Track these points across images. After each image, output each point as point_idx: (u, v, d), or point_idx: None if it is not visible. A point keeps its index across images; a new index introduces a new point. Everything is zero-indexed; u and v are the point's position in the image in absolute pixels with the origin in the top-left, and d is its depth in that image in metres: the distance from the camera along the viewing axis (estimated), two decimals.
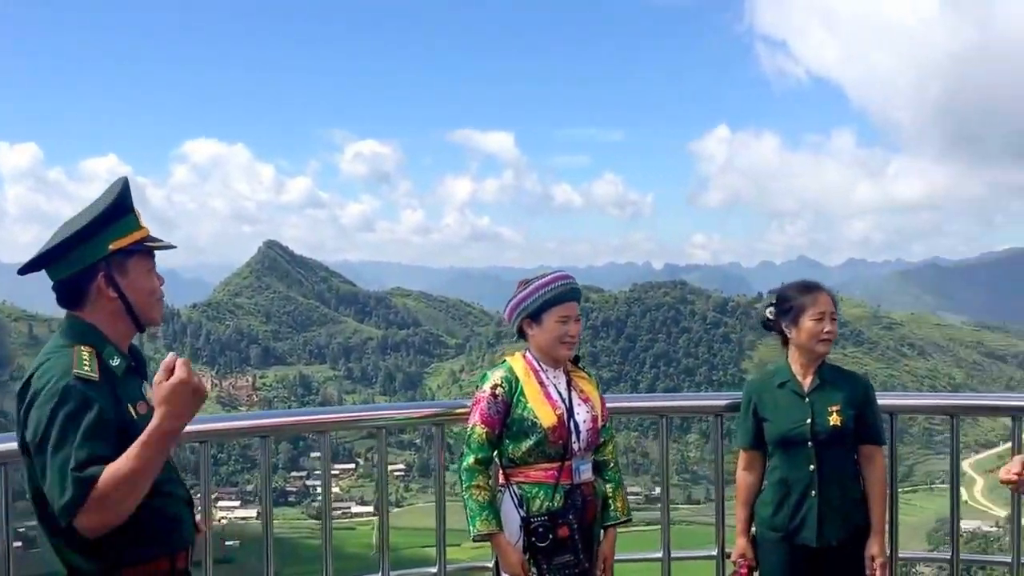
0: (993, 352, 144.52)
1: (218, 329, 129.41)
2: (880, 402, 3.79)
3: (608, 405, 3.63)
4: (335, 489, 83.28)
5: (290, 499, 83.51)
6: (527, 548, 3.17)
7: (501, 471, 3.31)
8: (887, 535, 3.76)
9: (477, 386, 3.35)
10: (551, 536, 3.13)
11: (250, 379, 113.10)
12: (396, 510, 77.70)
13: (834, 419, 3.47)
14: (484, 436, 3.23)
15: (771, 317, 3.66)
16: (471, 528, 3.18)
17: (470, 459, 3.23)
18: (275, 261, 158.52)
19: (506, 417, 3.24)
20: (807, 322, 3.54)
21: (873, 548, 3.51)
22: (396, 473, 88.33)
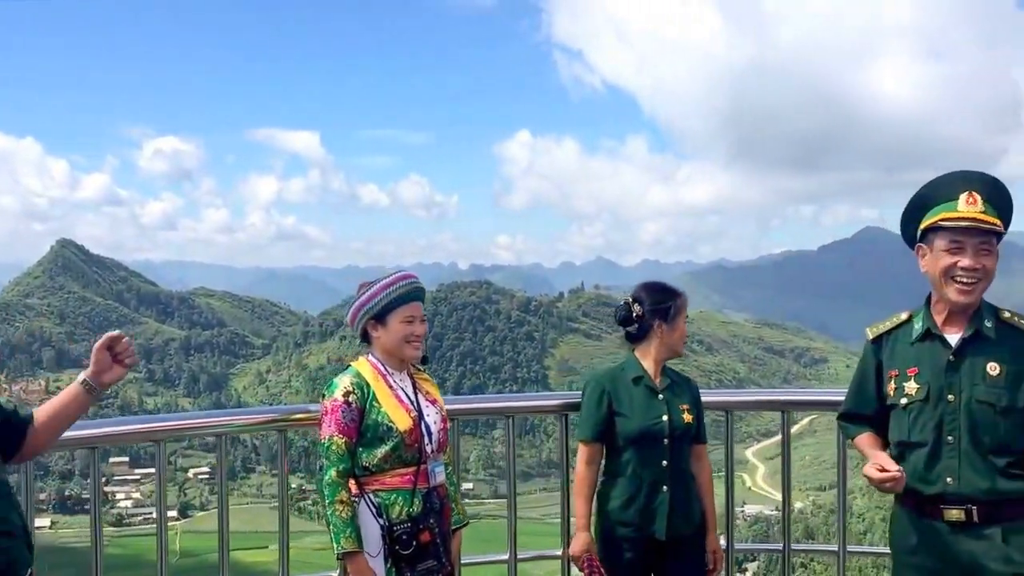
0: (772, 347, 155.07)
1: (7, 331, 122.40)
2: (716, 399, 4.00)
3: (453, 407, 3.61)
4: (135, 495, 79.77)
5: (86, 507, 78.50)
6: (390, 556, 3.11)
7: (354, 481, 3.18)
8: (725, 527, 3.99)
9: (323, 395, 3.23)
10: (415, 542, 3.10)
11: (43, 383, 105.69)
12: (201, 514, 75.37)
13: (687, 417, 3.56)
14: (344, 447, 3.14)
15: (639, 314, 3.60)
16: (336, 546, 3.07)
17: (332, 473, 3.11)
18: (70, 261, 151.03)
19: (360, 424, 3.16)
20: (681, 324, 3.63)
21: (712, 541, 3.67)
22: (201, 477, 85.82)
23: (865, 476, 2.78)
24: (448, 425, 3.38)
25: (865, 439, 3.04)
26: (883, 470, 2.73)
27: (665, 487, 3.49)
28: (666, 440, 3.50)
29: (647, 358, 3.62)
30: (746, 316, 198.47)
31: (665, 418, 3.51)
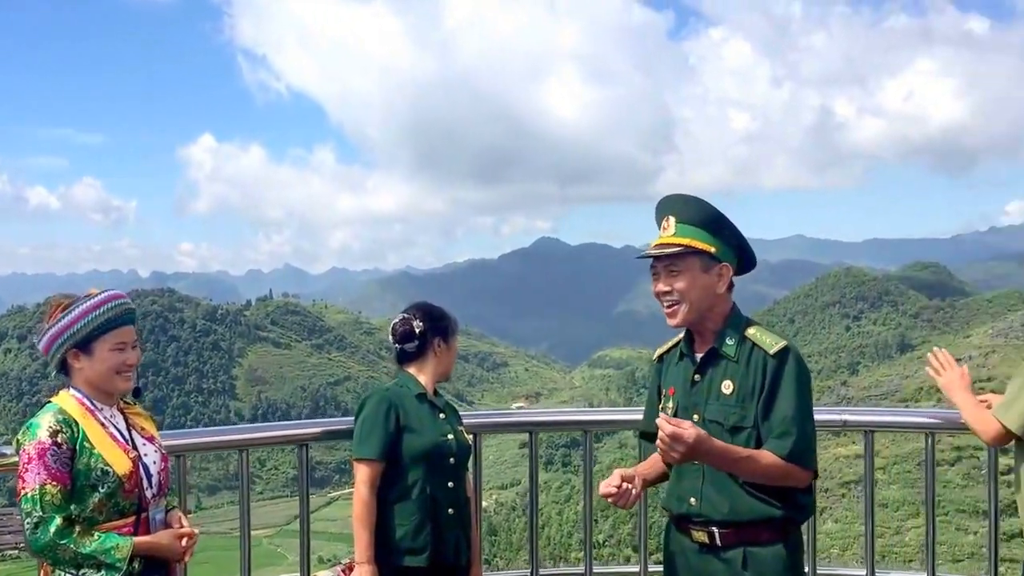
0: (458, 352, 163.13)
1: None
2: (473, 421, 3.86)
3: (173, 442, 3.29)
4: None
5: None
6: None
7: None
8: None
9: (19, 440, 2.67)
10: None
11: None
12: None
13: (466, 437, 3.49)
14: (60, 495, 2.59)
15: (421, 331, 3.44)
16: (114, 559, 2.60)
17: (57, 521, 2.57)
18: None
19: (71, 469, 2.63)
20: (456, 344, 3.58)
21: (476, 567, 3.53)
22: None
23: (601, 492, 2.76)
24: (170, 464, 2.91)
25: (650, 459, 3.00)
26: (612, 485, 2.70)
27: (451, 510, 3.32)
28: (452, 460, 3.35)
29: (423, 376, 3.44)
30: None
31: (451, 436, 3.37)
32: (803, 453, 2.69)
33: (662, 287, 2.82)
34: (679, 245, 2.78)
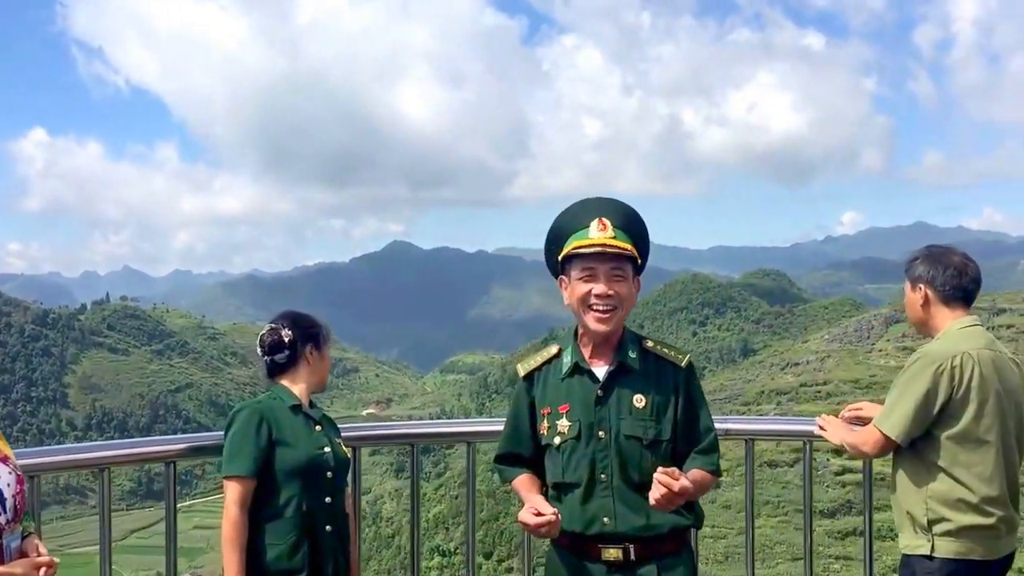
0: None
1: None
2: (353, 433, 3.66)
3: (27, 462, 3.01)
4: None
5: None
6: None
7: None
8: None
9: None
10: None
11: None
12: None
13: (345, 450, 3.30)
14: None
15: (291, 340, 3.25)
16: None
17: None
18: None
19: None
20: (328, 352, 3.41)
21: None
22: None
23: (520, 523, 2.66)
24: (26, 487, 2.58)
25: (523, 481, 2.87)
26: (539, 514, 2.60)
27: (329, 526, 3.14)
28: (329, 474, 3.16)
29: (296, 387, 3.26)
30: None
31: (328, 449, 3.18)
32: (717, 465, 2.80)
33: (603, 289, 2.71)
34: (625, 249, 2.73)
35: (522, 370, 2.95)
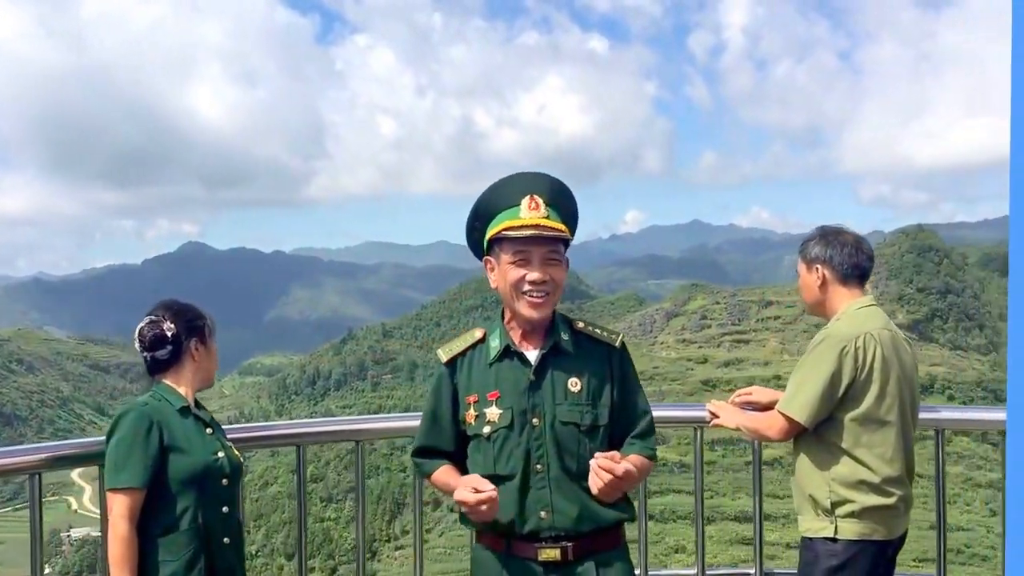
0: (98, 364, 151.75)
1: None
2: (238, 436, 3.30)
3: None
4: None
5: None
6: None
7: None
8: None
9: None
10: None
11: None
12: None
13: (236, 454, 2.99)
14: None
15: (171, 334, 2.88)
16: None
17: None
18: None
19: None
20: (215, 346, 3.05)
21: None
22: None
23: (459, 503, 2.40)
24: None
25: (445, 471, 2.60)
26: (478, 491, 2.35)
27: (227, 538, 2.84)
28: (225, 481, 2.85)
29: (182, 387, 2.91)
30: (69, 333, 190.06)
31: (222, 454, 2.86)
32: (655, 449, 2.63)
33: (538, 275, 2.47)
34: (559, 230, 2.49)
35: (444, 355, 2.64)
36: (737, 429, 3.34)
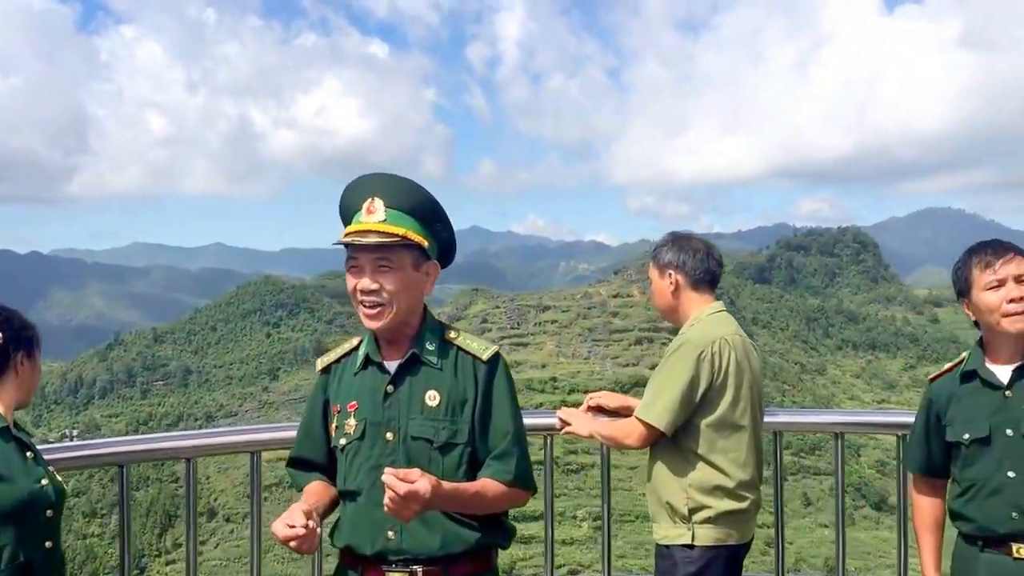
0: None
1: None
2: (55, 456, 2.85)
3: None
4: None
5: None
6: None
7: None
8: None
9: None
10: None
11: None
12: None
13: (59, 480, 2.56)
14: None
15: (2, 343, 2.47)
16: None
17: None
18: None
19: None
20: (40, 360, 2.67)
21: None
22: None
23: (273, 534, 2.16)
24: None
25: (311, 489, 2.40)
26: (292, 526, 2.09)
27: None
28: (49, 512, 2.45)
29: (1, 405, 2.51)
30: None
31: (46, 482, 2.46)
32: (525, 473, 2.36)
33: (367, 284, 2.27)
34: (393, 235, 2.25)
35: (320, 364, 2.50)
36: (590, 437, 3.25)
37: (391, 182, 2.32)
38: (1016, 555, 2.52)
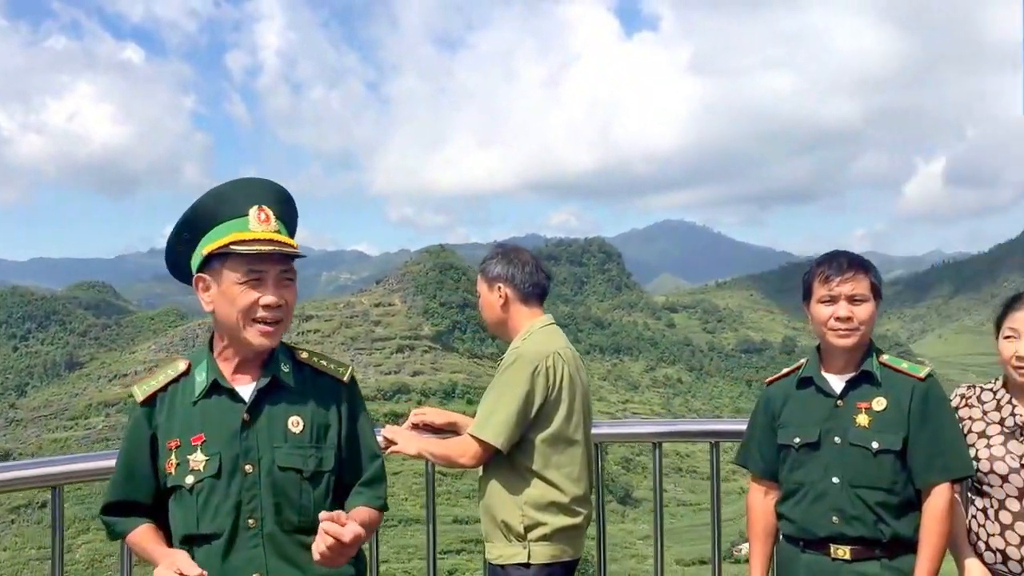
0: None
1: None
2: None
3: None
4: None
5: None
6: None
7: None
8: None
9: None
10: None
11: None
12: None
13: None
14: None
15: None
16: None
17: None
18: None
19: None
20: None
21: None
22: None
23: None
24: None
25: (143, 534, 2.10)
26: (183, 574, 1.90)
27: None
28: None
29: None
30: None
31: None
32: (384, 498, 2.23)
33: (273, 298, 2.04)
34: (292, 246, 2.08)
35: (140, 393, 2.13)
36: (419, 456, 3.02)
37: (276, 190, 2.13)
38: (834, 555, 2.55)
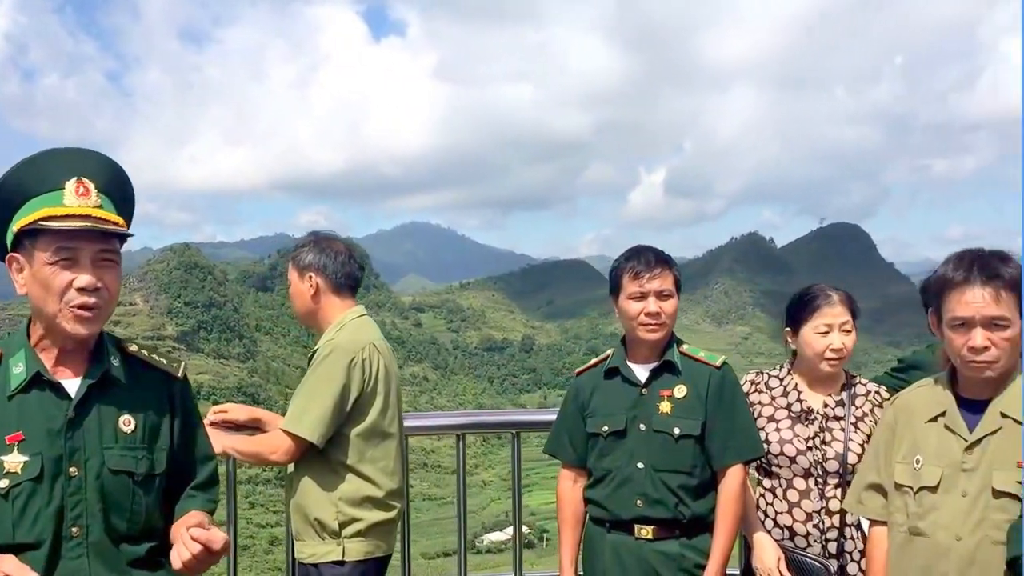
0: None
1: None
2: None
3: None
4: None
5: None
6: None
7: None
8: None
9: None
10: None
11: None
12: None
13: None
14: None
15: None
16: None
17: None
18: None
19: None
20: None
21: None
22: None
23: None
24: None
25: None
26: None
27: None
28: None
29: None
30: None
31: None
32: (217, 502, 2.06)
33: (88, 280, 1.78)
34: (116, 223, 1.81)
35: None
36: (224, 455, 2.81)
37: (99, 160, 1.86)
38: (638, 535, 2.63)
